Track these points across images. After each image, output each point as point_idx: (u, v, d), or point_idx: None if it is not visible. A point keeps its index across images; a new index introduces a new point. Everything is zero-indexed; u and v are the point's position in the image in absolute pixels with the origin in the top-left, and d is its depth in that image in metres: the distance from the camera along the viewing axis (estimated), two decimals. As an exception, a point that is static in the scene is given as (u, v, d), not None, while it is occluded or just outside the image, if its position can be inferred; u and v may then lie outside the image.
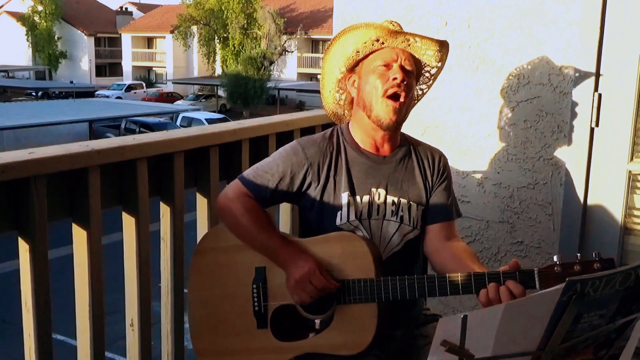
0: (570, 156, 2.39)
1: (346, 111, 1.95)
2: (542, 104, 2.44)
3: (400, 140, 1.89)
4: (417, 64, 1.84)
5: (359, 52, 1.79)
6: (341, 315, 1.72)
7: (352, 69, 1.84)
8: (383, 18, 2.69)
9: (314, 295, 1.69)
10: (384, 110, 1.76)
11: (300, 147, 1.83)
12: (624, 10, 2.25)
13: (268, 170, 1.83)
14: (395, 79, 1.75)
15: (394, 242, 1.83)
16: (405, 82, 1.75)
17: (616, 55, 2.27)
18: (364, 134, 1.85)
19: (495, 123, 2.55)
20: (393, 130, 1.82)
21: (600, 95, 2.31)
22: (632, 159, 2.31)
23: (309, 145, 1.84)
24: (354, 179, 1.82)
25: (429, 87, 1.97)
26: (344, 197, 1.80)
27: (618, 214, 2.34)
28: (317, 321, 1.74)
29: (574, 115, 2.36)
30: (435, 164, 1.91)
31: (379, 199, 1.83)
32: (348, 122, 1.92)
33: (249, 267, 1.81)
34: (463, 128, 2.61)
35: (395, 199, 1.84)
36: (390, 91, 1.75)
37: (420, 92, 1.97)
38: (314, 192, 1.82)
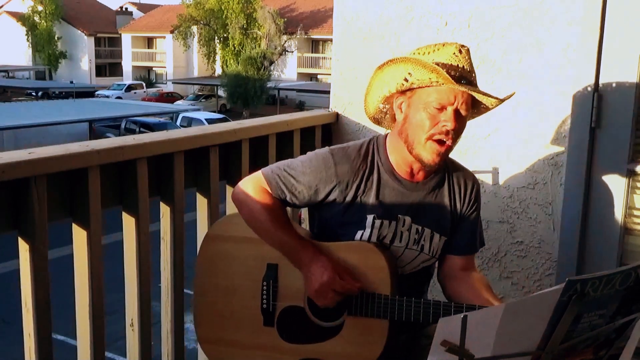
0: (570, 156, 2.39)
1: (388, 117, 1.83)
2: (542, 104, 2.44)
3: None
4: (474, 99, 1.69)
5: (413, 84, 1.65)
6: (351, 325, 1.70)
7: (403, 91, 1.70)
8: (383, 18, 2.70)
9: (338, 299, 1.68)
10: (427, 151, 1.66)
11: (333, 162, 1.74)
12: (624, 10, 2.24)
13: (295, 175, 1.76)
14: (445, 126, 1.63)
15: (409, 267, 1.81)
16: (455, 130, 1.64)
17: (616, 55, 2.27)
18: (400, 159, 1.75)
19: (495, 123, 2.54)
20: (433, 169, 1.74)
21: (600, 95, 2.31)
22: (632, 159, 2.31)
23: (342, 161, 1.75)
24: (383, 202, 1.76)
25: (480, 114, 1.82)
26: (369, 219, 1.74)
27: (618, 214, 2.34)
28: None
29: (574, 115, 2.36)
30: (467, 193, 1.83)
31: (403, 226, 1.77)
32: (385, 137, 1.81)
33: (260, 261, 1.79)
34: (463, 128, 2.61)
35: (420, 228, 1.78)
36: (436, 137, 1.65)
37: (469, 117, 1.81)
38: (337, 207, 1.76)
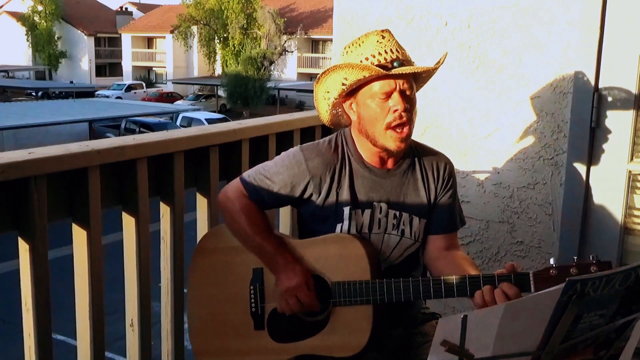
0: (570, 156, 2.39)
1: (344, 118, 1.86)
2: (542, 104, 2.44)
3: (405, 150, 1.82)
4: (416, 75, 1.76)
5: (352, 85, 1.71)
6: (337, 317, 1.72)
7: (347, 95, 1.76)
8: (383, 18, 2.70)
9: (297, 309, 1.70)
10: (390, 140, 1.71)
11: (303, 158, 1.79)
12: (624, 10, 2.24)
13: (269, 176, 1.81)
14: (396, 110, 1.69)
15: (394, 255, 1.83)
16: (407, 110, 1.69)
17: (616, 55, 2.27)
18: (368, 149, 1.80)
19: (495, 123, 2.54)
20: (402, 153, 1.79)
21: (600, 95, 2.31)
22: (632, 159, 2.31)
23: (312, 156, 1.80)
24: (357, 192, 1.80)
25: (424, 83, 1.87)
26: (346, 211, 1.78)
27: (618, 214, 2.34)
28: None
29: (574, 115, 2.36)
30: (440, 174, 1.86)
31: (380, 212, 1.80)
32: (351, 129, 1.85)
33: (247, 268, 1.81)
34: (463, 128, 2.61)
35: (397, 213, 1.81)
36: (393, 124, 1.70)
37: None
38: (315, 202, 1.80)
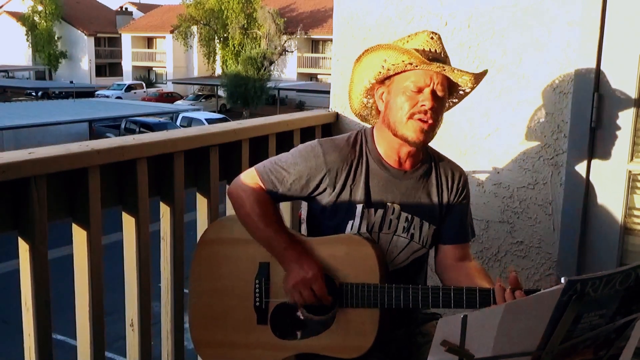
0: (570, 156, 2.39)
1: (373, 112, 1.88)
2: (542, 104, 2.44)
3: (423, 155, 1.84)
4: (451, 84, 1.76)
5: (389, 70, 1.72)
6: (342, 318, 1.72)
7: (382, 81, 1.77)
8: (383, 18, 2.70)
9: (310, 301, 1.70)
10: (410, 130, 1.71)
11: (321, 151, 1.78)
12: (624, 10, 2.25)
13: (285, 167, 1.80)
14: (423, 105, 1.69)
15: (401, 258, 1.82)
16: (433, 109, 1.69)
17: (616, 55, 2.27)
18: (388, 147, 1.80)
19: (495, 123, 2.54)
20: (420, 148, 1.78)
21: (600, 95, 2.31)
22: (632, 159, 2.31)
23: (330, 150, 1.79)
24: (371, 191, 1.79)
25: (459, 100, 1.89)
26: (359, 208, 1.78)
27: (618, 214, 2.34)
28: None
29: (574, 115, 2.36)
30: (454, 183, 1.87)
31: (392, 213, 1.80)
32: (373, 128, 1.86)
33: (252, 261, 1.81)
34: (463, 128, 2.61)
35: (409, 216, 1.81)
36: (416, 116, 1.70)
37: (449, 104, 1.88)
38: (328, 197, 1.79)
